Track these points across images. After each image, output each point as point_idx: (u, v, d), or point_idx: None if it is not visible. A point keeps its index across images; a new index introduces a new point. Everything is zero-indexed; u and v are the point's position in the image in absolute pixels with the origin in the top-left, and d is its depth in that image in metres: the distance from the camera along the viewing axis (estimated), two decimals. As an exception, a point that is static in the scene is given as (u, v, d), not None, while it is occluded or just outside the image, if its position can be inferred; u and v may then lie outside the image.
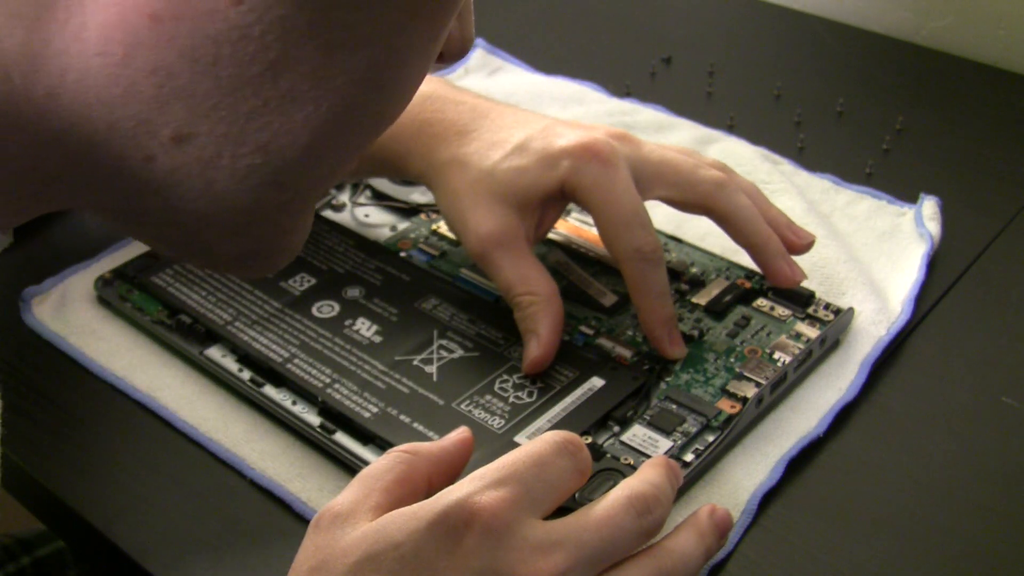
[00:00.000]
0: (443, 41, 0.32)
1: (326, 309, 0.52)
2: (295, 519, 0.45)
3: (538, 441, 0.38)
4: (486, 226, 0.49)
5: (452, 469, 0.39)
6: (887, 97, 0.71)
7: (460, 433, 0.41)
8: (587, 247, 0.56)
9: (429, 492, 0.37)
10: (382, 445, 0.46)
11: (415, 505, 0.35)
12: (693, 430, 0.46)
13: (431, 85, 0.54)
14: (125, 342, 0.53)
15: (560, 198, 0.50)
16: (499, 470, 0.36)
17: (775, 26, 0.81)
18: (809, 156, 0.65)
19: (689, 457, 0.45)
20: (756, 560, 0.43)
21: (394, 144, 0.52)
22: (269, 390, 0.49)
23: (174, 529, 0.45)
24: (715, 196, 0.50)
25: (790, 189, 0.61)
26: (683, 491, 0.45)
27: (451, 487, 0.36)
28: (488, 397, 0.47)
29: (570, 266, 0.55)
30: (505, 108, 0.53)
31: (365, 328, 0.51)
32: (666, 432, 0.46)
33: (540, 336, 0.48)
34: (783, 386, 0.48)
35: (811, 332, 0.50)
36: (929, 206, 0.59)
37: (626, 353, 0.50)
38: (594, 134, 0.49)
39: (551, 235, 0.57)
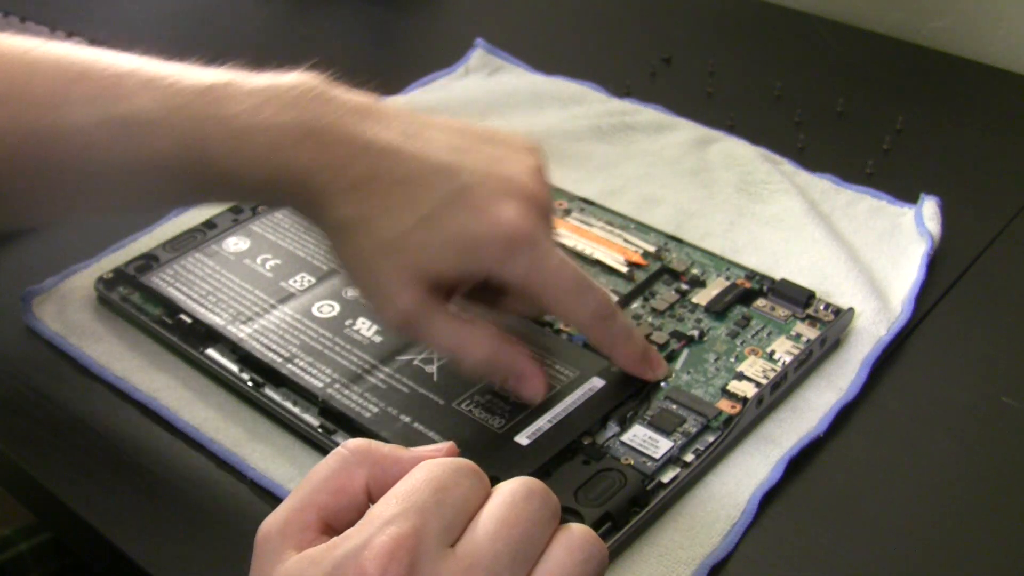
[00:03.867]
0: None
1: (326, 309, 0.52)
2: (295, 519, 0.45)
3: (432, 465, 0.33)
4: (403, 302, 0.44)
5: (395, 479, 0.34)
6: (887, 97, 0.71)
7: (441, 445, 0.37)
8: (587, 247, 0.56)
9: (370, 499, 0.34)
10: (382, 445, 0.46)
11: (323, 547, 0.32)
12: (693, 430, 0.46)
13: (305, 111, 0.44)
14: (125, 342, 0.53)
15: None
16: (397, 503, 0.32)
17: (775, 26, 0.81)
18: (809, 156, 0.65)
19: (689, 457, 0.45)
20: (756, 560, 0.43)
21: (279, 195, 0.46)
22: (269, 391, 0.49)
23: (174, 530, 0.45)
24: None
25: (790, 189, 0.61)
26: (683, 491, 0.45)
27: (350, 531, 0.32)
28: (488, 397, 0.47)
29: (570, 266, 0.55)
30: (403, 146, 0.44)
31: (365, 328, 0.51)
32: (666, 432, 0.46)
33: (525, 373, 0.45)
34: (783, 386, 0.48)
35: (811, 332, 0.50)
36: (929, 206, 0.59)
37: (626, 353, 0.50)
38: (516, 216, 0.43)
39: (551, 235, 0.57)
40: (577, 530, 0.33)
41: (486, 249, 0.43)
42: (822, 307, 0.52)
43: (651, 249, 0.56)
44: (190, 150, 0.45)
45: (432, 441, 0.45)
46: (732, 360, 0.49)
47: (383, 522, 0.31)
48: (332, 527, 0.33)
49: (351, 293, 0.53)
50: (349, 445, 0.35)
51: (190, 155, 0.45)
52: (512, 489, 0.33)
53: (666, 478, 0.44)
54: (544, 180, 0.47)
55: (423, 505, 0.32)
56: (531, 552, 0.32)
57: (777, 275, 0.54)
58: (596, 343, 0.47)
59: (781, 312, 0.52)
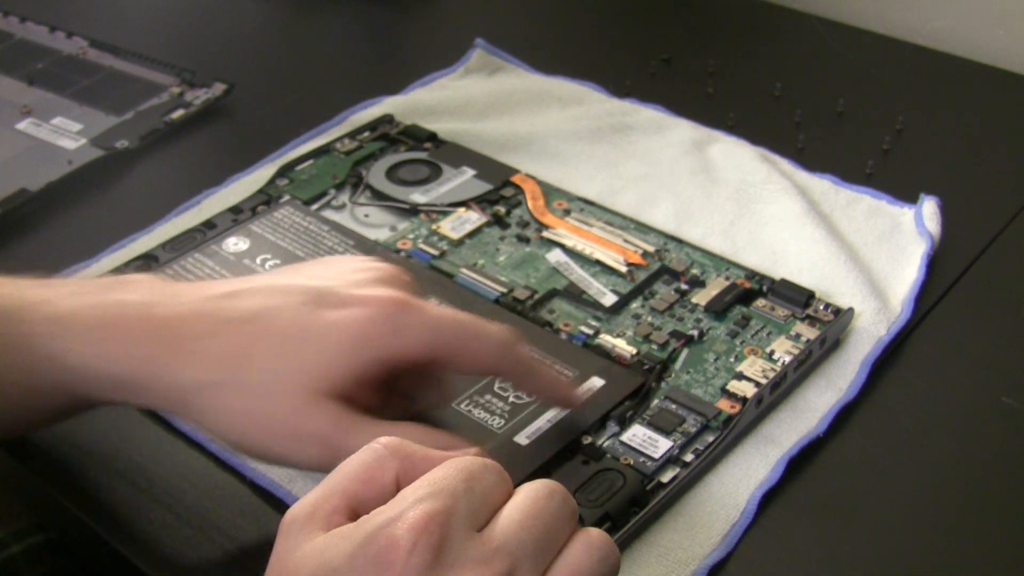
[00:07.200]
0: None
1: (326, 309, 0.52)
2: (295, 519, 0.45)
3: (460, 458, 0.35)
4: (315, 425, 0.41)
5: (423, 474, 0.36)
6: (887, 97, 0.71)
7: (468, 449, 0.38)
8: (587, 247, 0.56)
9: (398, 490, 0.35)
10: (382, 445, 0.46)
11: (352, 525, 0.33)
12: (693, 430, 0.46)
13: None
14: (125, 342, 0.53)
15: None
16: (429, 485, 0.34)
17: (775, 26, 0.81)
18: (809, 156, 0.65)
19: (689, 457, 0.45)
20: (756, 560, 0.43)
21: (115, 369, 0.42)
22: (269, 390, 0.49)
23: (173, 530, 0.45)
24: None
25: (790, 189, 0.61)
26: (684, 491, 0.45)
27: (381, 507, 0.34)
28: (488, 397, 0.47)
29: (570, 266, 0.55)
30: (230, 288, 0.43)
31: (365, 328, 0.51)
32: (666, 432, 0.46)
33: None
34: (783, 386, 0.48)
35: (811, 332, 0.50)
36: (929, 206, 0.59)
37: (626, 353, 0.50)
38: (385, 291, 0.42)
39: (550, 235, 0.57)
40: (595, 532, 0.35)
41: (373, 331, 0.41)
42: (822, 307, 0.52)
43: (651, 249, 0.56)
44: None
45: (432, 441, 0.45)
46: (732, 360, 0.49)
47: (415, 500, 0.33)
48: (359, 515, 0.34)
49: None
50: (382, 440, 0.36)
51: None
52: (535, 487, 0.35)
53: (665, 478, 0.44)
54: (384, 261, 0.45)
55: (454, 489, 0.33)
56: (551, 546, 0.34)
57: (777, 275, 0.54)
58: (511, 374, 0.45)
59: (781, 312, 0.52)
